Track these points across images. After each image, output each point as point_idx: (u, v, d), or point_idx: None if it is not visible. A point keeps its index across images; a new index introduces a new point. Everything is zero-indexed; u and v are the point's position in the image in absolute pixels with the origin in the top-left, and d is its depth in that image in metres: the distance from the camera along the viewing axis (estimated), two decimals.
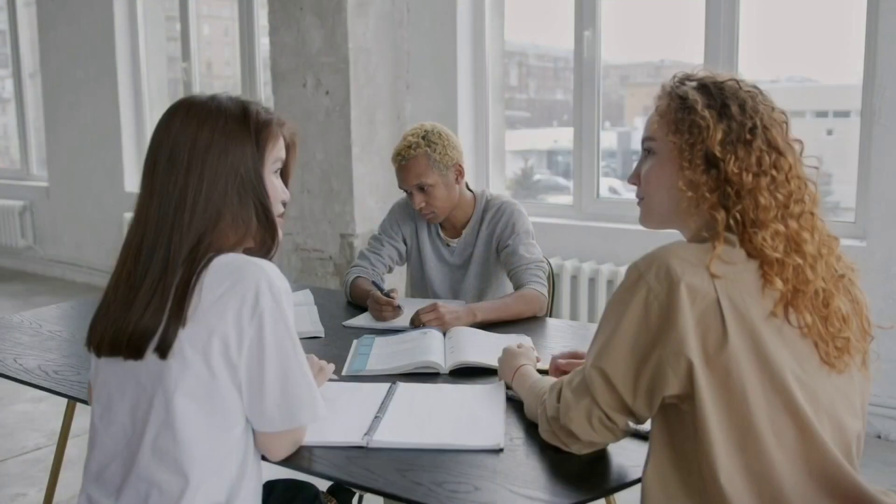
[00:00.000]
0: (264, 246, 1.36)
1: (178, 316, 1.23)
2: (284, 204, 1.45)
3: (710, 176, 1.20)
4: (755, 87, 1.26)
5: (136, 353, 1.26)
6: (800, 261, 1.17)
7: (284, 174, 1.46)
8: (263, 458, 1.37)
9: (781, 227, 1.17)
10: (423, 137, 2.39)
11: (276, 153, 1.39)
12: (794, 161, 1.21)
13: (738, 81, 1.26)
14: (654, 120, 1.29)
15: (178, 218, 1.28)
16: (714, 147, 1.19)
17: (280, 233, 1.40)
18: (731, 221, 1.19)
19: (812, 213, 1.21)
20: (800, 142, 1.25)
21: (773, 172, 1.19)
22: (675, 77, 1.30)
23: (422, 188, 2.40)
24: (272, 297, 1.25)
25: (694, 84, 1.26)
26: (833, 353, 1.17)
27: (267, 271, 1.27)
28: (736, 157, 1.19)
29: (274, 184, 1.40)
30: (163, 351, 1.23)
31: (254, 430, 1.32)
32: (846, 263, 1.26)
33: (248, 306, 1.23)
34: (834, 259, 1.23)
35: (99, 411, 1.33)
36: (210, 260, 1.27)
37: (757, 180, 1.18)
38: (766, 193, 1.18)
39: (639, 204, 1.35)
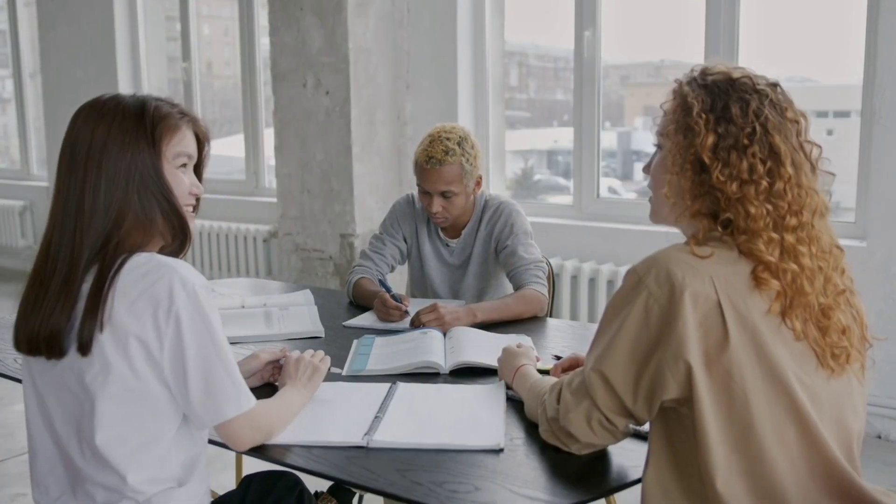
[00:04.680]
0: (176, 240, 1.37)
1: (93, 315, 1.24)
2: (198, 199, 1.45)
3: (697, 181, 1.19)
4: (771, 86, 1.21)
5: (53, 351, 1.28)
6: (796, 267, 1.15)
7: (199, 171, 1.46)
8: (231, 448, 1.39)
9: (776, 236, 1.15)
10: (459, 144, 2.35)
11: (176, 147, 1.37)
12: (794, 171, 1.17)
13: (753, 78, 1.21)
14: (662, 117, 1.27)
15: (79, 218, 1.30)
16: (704, 153, 1.17)
17: (191, 225, 1.40)
18: (721, 226, 1.18)
19: (813, 225, 1.18)
20: (817, 146, 1.21)
21: (766, 181, 1.15)
22: (692, 71, 1.26)
23: (445, 195, 2.37)
24: (186, 295, 1.26)
25: (704, 81, 1.22)
26: (831, 361, 1.17)
27: (178, 270, 1.28)
28: (725, 165, 1.16)
29: (179, 178, 1.38)
30: (83, 349, 1.25)
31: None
32: (848, 276, 1.24)
33: (163, 308, 1.25)
34: (838, 273, 1.21)
35: (38, 420, 1.37)
36: (123, 262, 1.28)
37: (745, 189, 1.15)
38: (756, 203, 1.15)
39: (649, 199, 1.34)
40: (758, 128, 1.17)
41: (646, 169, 1.34)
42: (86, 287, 1.28)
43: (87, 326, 1.24)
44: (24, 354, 1.34)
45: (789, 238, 1.16)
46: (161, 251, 1.36)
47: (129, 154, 1.31)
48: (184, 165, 1.40)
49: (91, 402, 1.26)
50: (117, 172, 1.30)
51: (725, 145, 1.17)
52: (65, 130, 1.37)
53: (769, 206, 1.15)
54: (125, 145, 1.31)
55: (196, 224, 1.43)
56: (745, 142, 1.16)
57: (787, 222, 1.16)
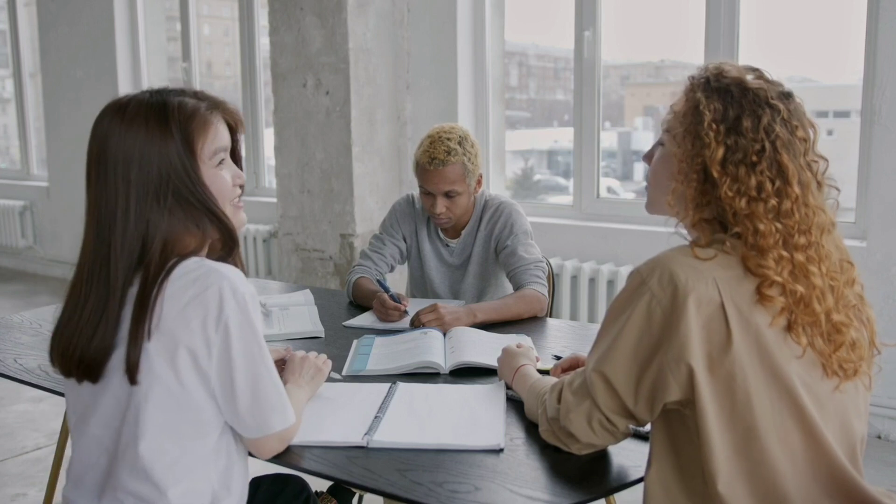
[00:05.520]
0: (226, 246, 1.33)
1: (139, 334, 1.20)
2: (242, 187, 1.38)
3: (701, 191, 1.17)
4: (784, 97, 1.19)
5: (88, 376, 1.25)
6: (802, 290, 1.13)
7: (235, 156, 1.39)
8: (254, 456, 1.37)
9: (786, 254, 1.14)
10: (460, 143, 2.35)
11: (211, 145, 1.30)
12: (801, 191, 1.15)
13: (767, 89, 1.18)
14: (669, 117, 1.24)
15: (113, 239, 1.24)
16: (713, 166, 1.15)
17: (239, 221, 1.36)
18: (733, 239, 1.16)
19: (822, 244, 1.16)
20: (824, 160, 1.20)
21: (774, 201, 1.14)
22: (706, 69, 1.22)
23: (449, 195, 2.37)
24: (236, 304, 1.23)
25: (717, 86, 1.19)
26: (838, 371, 1.16)
27: (229, 277, 1.24)
28: (734, 180, 1.14)
29: (220, 177, 1.32)
30: (131, 375, 1.21)
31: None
32: (859, 283, 1.23)
33: (212, 316, 1.21)
34: (849, 288, 1.20)
35: (74, 421, 1.33)
36: (172, 267, 1.24)
37: (753, 206, 1.14)
38: (765, 220, 1.13)
39: (646, 188, 1.33)
40: (767, 145, 1.15)
41: (646, 158, 1.32)
42: (132, 292, 1.23)
43: (134, 347, 1.20)
44: (62, 376, 1.30)
45: (799, 257, 1.14)
46: (209, 256, 1.31)
47: (159, 165, 1.24)
48: (222, 161, 1.33)
49: (135, 409, 1.23)
50: (148, 185, 1.24)
51: (735, 159, 1.15)
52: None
53: (778, 225, 1.14)
54: (154, 156, 1.24)
55: None
56: (755, 158, 1.14)
57: (796, 241, 1.14)
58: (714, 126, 1.16)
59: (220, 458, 1.29)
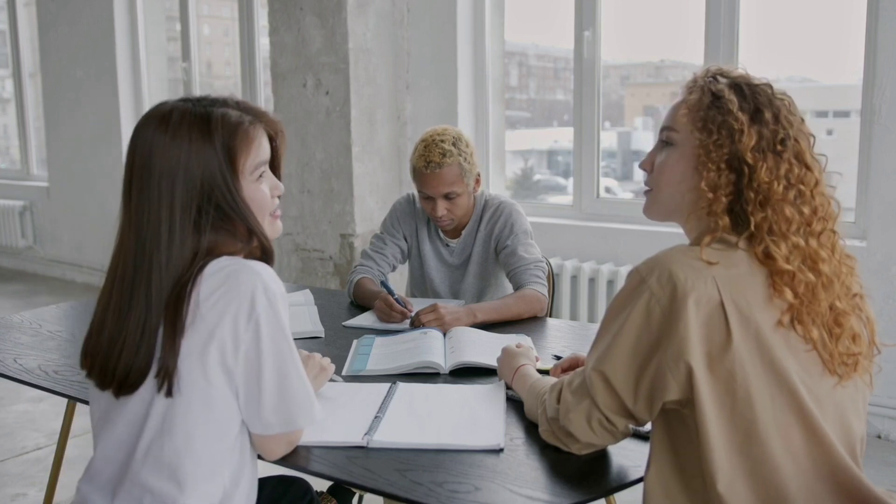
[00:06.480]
0: (262, 259, 1.33)
1: (175, 332, 1.20)
2: (280, 197, 1.39)
3: (729, 180, 1.18)
4: (787, 96, 1.23)
5: (127, 391, 1.25)
6: (813, 278, 1.15)
7: (275, 165, 1.39)
8: (259, 457, 1.36)
9: (802, 242, 1.15)
10: (454, 145, 2.35)
11: (254, 160, 1.31)
12: (819, 177, 1.19)
13: (771, 87, 1.22)
14: (682, 112, 1.23)
15: (157, 256, 1.24)
16: (746, 152, 1.16)
17: (276, 230, 1.37)
18: (737, 230, 1.17)
19: (833, 232, 1.19)
20: (824, 156, 1.23)
21: (801, 186, 1.17)
22: (707, 71, 1.26)
23: (448, 197, 2.37)
24: (268, 302, 1.23)
25: (727, 82, 1.22)
26: (840, 368, 1.16)
27: (262, 275, 1.24)
28: (767, 165, 1.16)
29: (260, 192, 1.33)
30: (169, 382, 1.21)
31: (250, 432, 1.31)
32: (859, 282, 1.24)
33: (244, 312, 1.21)
34: (852, 279, 1.22)
35: (97, 417, 1.33)
36: (205, 264, 1.24)
37: (786, 192, 1.16)
38: (790, 207, 1.16)
39: (645, 193, 1.32)
40: (790, 133, 1.18)
41: (646, 165, 1.31)
42: (160, 324, 1.23)
43: (171, 358, 1.19)
44: (93, 384, 1.30)
45: (813, 243, 1.16)
46: (245, 257, 1.31)
47: (200, 177, 1.24)
48: (260, 175, 1.33)
49: (163, 409, 1.23)
50: (191, 200, 1.24)
51: (761, 147, 1.17)
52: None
53: (804, 210, 1.17)
54: (196, 168, 1.24)
55: None
56: (779, 147, 1.18)
57: (813, 228, 1.17)
58: (741, 114, 1.18)
59: (234, 457, 1.29)
